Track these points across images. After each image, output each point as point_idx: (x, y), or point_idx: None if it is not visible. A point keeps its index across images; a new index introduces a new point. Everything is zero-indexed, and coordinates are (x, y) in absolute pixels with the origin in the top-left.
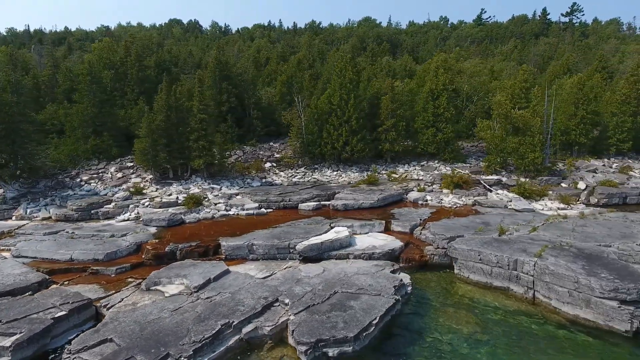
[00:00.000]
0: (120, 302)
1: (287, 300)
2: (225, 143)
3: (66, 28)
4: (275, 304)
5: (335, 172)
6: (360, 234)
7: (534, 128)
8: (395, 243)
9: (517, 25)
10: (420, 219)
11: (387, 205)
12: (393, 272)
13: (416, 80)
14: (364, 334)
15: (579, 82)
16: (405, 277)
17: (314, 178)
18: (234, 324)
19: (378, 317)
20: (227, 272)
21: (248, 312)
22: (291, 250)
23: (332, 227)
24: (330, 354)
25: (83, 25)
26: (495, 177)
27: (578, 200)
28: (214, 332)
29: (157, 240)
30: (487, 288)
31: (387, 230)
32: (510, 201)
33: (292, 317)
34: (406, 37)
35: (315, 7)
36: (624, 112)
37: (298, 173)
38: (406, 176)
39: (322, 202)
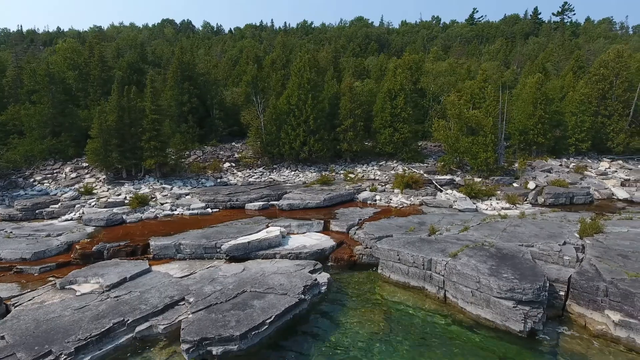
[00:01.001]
0: (29, 300)
1: (191, 299)
2: (183, 143)
3: (58, 28)
4: (180, 303)
5: (293, 172)
6: (298, 233)
7: (486, 128)
8: (327, 243)
9: (509, 25)
10: (360, 219)
11: (335, 205)
12: (313, 271)
13: (375, 79)
14: (253, 333)
15: (537, 81)
16: (323, 277)
17: (271, 178)
18: (129, 322)
19: (274, 316)
20: (147, 271)
21: (148, 310)
22: (218, 250)
23: (268, 227)
24: (215, 352)
25: (77, 25)
26: (448, 177)
27: (525, 200)
28: (102, 330)
29: (88, 240)
30: (405, 288)
31: (325, 230)
32: (456, 201)
33: (189, 316)
34: (396, 37)
35: (313, 7)
36: (583, 111)
37: (255, 173)
38: (363, 176)
39: (271, 202)
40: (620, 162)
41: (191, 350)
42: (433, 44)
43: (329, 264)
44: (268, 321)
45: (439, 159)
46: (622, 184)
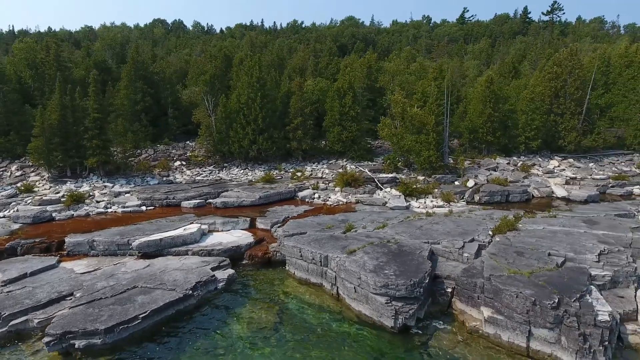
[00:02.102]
0: None
1: (78, 294)
2: (135, 142)
3: (49, 28)
4: (67, 298)
5: (242, 171)
6: (222, 231)
7: (428, 126)
8: (246, 240)
9: (498, 25)
10: (286, 217)
11: (271, 203)
12: (216, 268)
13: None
14: (121, 327)
15: (487, 80)
16: (224, 274)
17: (218, 177)
18: (4, 315)
19: (150, 311)
20: (52, 267)
21: (30, 305)
22: (129, 247)
23: (192, 224)
24: (77, 346)
25: (72, 25)
26: (390, 175)
27: (462, 199)
28: None
29: (7, 237)
30: (306, 284)
31: (252, 227)
32: (390, 199)
33: (66, 310)
34: (386, 36)
35: (310, 7)
36: (533, 110)
37: (204, 172)
38: (311, 175)
39: (209, 200)
40: (571, 160)
41: (52, 343)
42: (417, 43)
43: (244, 261)
44: (142, 316)
45: (384, 158)
46: (567, 182)
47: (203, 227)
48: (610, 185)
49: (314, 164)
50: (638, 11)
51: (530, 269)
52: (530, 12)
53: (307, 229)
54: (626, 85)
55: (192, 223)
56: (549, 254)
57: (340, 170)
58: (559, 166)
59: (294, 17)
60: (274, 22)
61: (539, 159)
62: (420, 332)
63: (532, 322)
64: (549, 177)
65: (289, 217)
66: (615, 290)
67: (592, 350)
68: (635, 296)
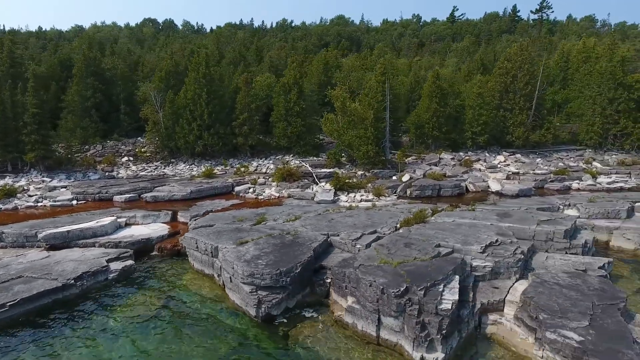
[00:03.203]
0: None
1: None
2: (82, 137)
3: (40, 28)
4: None
5: (189, 166)
6: (142, 224)
7: (367, 121)
8: (159, 233)
9: (487, 23)
10: (208, 210)
11: (203, 197)
12: (116, 259)
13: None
14: None
15: (433, 75)
16: (120, 265)
17: (163, 172)
18: None
19: (20, 299)
20: None
21: None
22: (37, 239)
23: (110, 217)
24: None
25: (64, 25)
26: (329, 170)
27: (394, 193)
28: None
29: None
30: (202, 275)
31: (174, 220)
32: (318, 193)
33: None
34: (375, 35)
35: (306, 6)
36: (480, 105)
37: (150, 167)
38: (256, 170)
39: (142, 194)
40: (519, 155)
41: None
42: (401, 42)
43: (153, 253)
44: (10, 304)
45: (327, 153)
46: (508, 177)
47: (121, 220)
48: (549, 180)
49: (261, 159)
50: (628, 10)
51: (402, 259)
52: (519, 11)
53: (219, 221)
54: (582, 80)
55: (112, 216)
56: (438, 245)
57: (286, 165)
58: (504, 161)
59: (292, 16)
60: (262, 21)
61: (487, 154)
62: (285, 321)
63: (381, 310)
64: (491, 172)
65: (211, 210)
66: (494, 281)
67: (429, 339)
68: (510, 287)
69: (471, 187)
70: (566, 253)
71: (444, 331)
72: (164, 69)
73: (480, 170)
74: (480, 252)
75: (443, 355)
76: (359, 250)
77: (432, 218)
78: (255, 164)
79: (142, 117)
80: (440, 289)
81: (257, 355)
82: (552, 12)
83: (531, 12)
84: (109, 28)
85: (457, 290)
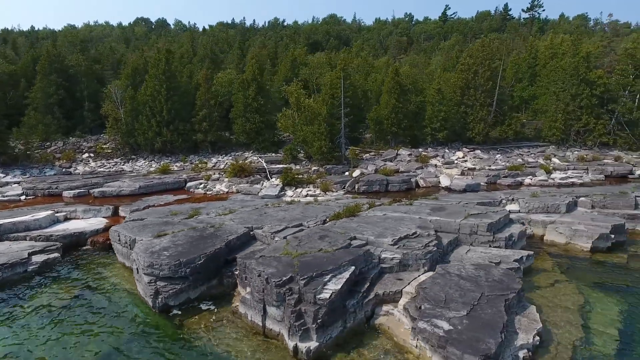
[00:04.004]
0: None
1: None
2: (44, 134)
3: (32, 27)
4: None
5: (148, 163)
6: (82, 218)
7: (320, 117)
8: (94, 226)
9: (478, 22)
10: (148, 205)
11: (154, 192)
12: (41, 252)
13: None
14: None
15: (392, 71)
16: (43, 257)
17: (121, 168)
18: None
19: None
20: None
21: None
22: None
23: (55, 212)
24: None
25: (56, 25)
26: (282, 166)
27: (343, 188)
28: None
29: None
30: (124, 267)
31: (115, 215)
32: (265, 188)
33: None
34: (367, 34)
35: (302, 5)
36: (439, 100)
37: (109, 163)
38: (214, 166)
39: (91, 190)
40: (478, 151)
41: None
42: (388, 40)
43: (85, 246)
44: None
45: (284, 149)
46: (463, 173)
47: (60, 214)
48: (503, 175)
49: (222, 155)
50: (625, 8)
51: (306, 251)
52: (510, 10)
53: (152, 215)
54: (549, 77)
55: (50, 210)
56: (354, 238)
57: (242, 161)
58: (463, 157)
59: (289, 15)
60: (254, 20)
61: (446, 150)
62: (181, 312)
63: (265, 300)
64: (446, 168)
65: (153, 205)
66: (402, 273)
67: (303, 328)
68: (414, 279)
69: (422, 183)
70: (490, 246)
71: (319, 320)
72: (130, 65)
73: (436, 166)
74: (391, 245)
75: (317, 344)
76: (275, 242)
77: (365, 212)
78: (214, 160)
79: (103, 113)
80: (326, 279)
81: (150, 345)
82: (544, 10)
83: (522, 10)
84: (101, 27)
85: (344, 280)
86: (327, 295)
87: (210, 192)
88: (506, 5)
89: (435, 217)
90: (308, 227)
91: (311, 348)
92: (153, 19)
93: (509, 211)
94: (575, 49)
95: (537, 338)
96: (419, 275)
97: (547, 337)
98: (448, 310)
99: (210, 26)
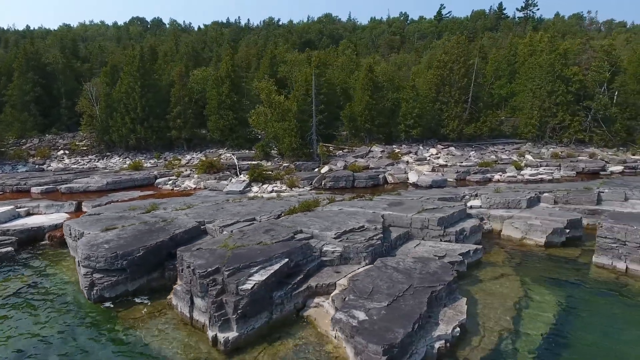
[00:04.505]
0: None
1: None
2: (20, 131)
3: (27, 27)
4: None
5: (122, 159)
6: (45, 213)
7: (290, 114)
8: (53, 221)
9: (473, 21)
10: (111, 201)
11: (122, 189)
12: None
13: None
14: None
15: (366, 68)
16: None
17: (94, 165)
18: None
19: None
20: None
21: None
22: None
23: (17, 207)
24: None
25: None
26: (254, 162)
27: (311, 184)
28: None
29: None
30: (74, 260)
31: (79, 210)
32: (231, 184)
33: None
34: (361, 33)
35: (298, 4)
36: (414, 97)
37: (84, 160)
38: (188, 162)
39: (59, 186)
40: (452, 148)
41: None
42: (380, 39)
43: (43, 241)
44: None
45: (256, 145)
46: (433, 169)
47: (22, 209)
48: (473, 172)
49: (197, 152)
50: (619, 8)
51: (245, 243)
52: (505, 9)
53: (111, 210)
54: (527, 74)
55: (10, 206)
56: (300, 232)
57: (216, 157)
58: (436, 154)
59: (285, 14)
60: (248, 19)
61: (421, 147)
62: (114, 304)
63: (192, 291)
64: (418, 165)
65: (116, 200)
66: (342, 266)
67: (223, 319)
68: (352, 271)
69: (390, 179)
70: (441, 240)
71: (240, 311)
72: (109, 63)
73: (407, 162)
74: (334, 238)
75: (237, 335)
76: (220, 236)
77: (321, 207)
78: (188, 157)
79: (78, 110)
80: (253, 271)
81: (83, 334)
82: (538, 9)
83: (517, 9)
84: (96, 27)
85: (272, 272)
86: (249, 286)
87: (177, 188)
88: (500, 4)
89: (390, 211)
90: (259, 221)
91: (229, 338)
92: (150, 19)
93: (470, 206)
94: (552, 45)
95: (458, 330)
96: (357, 268)
97: (474, 328)
98: (370, 301)
99: (205, 25)
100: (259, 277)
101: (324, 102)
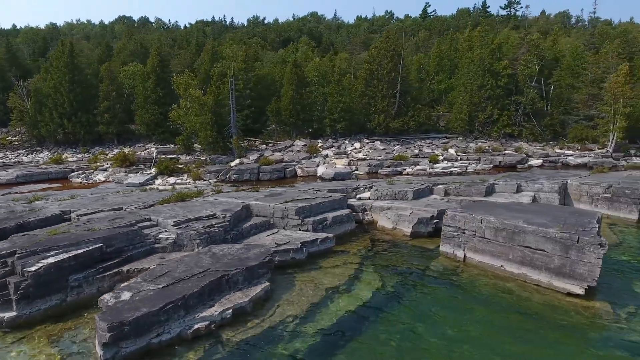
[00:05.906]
0: None
1: None
2: None
3: (14, 26)
4: None
5: (51, 154)
6: None
7: (206, 108)
8: None
9: (457, 19)
10: (10, 193)
11: (34, 182)
12: None
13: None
14: None
15: (293, 63)
16: None
17: (20, 159)
18: None
19: None
20: None
21: None
22: None
23: None
24: None
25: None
26: (175, 156)
27: (217, 177)
28: None
29: None
30: None
31: None
32: (133, 177)
33: None
34: (345, 31)
35: (288, 3)
36: (339, 92)
37: (12, 155)
38: (114, 156)
39: None
40: (378, 143)
41: None
42: (355, 37)
43: None
44: None
45: (176, 139)
46: (349, 163)
47: None
48: (386, 165)
49: (126, 147)
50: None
51: (75, 230)
52: (489, 7)
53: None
54: (463, 69)
55: None
56: (148, 219)
57: (139, 152)
58: (360, 148)
59: (275, 13)
60: (232, 17)
61: (346, 141)
62: None
63: None
64: (337, 158)
65: (15, 192)
66: (174, 253)
67: (4, 299)
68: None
69: (300, 172)
70: (299, 229)
71: (20, 292)
72: (50, 59)
73: (326, 156)
74: (172, 225)
75: (15, 314)
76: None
77: (202, 198)
78: (116, 151)
79: (9, 105)
80: (50, 254)
81: None
82: (521, 7)
83: (500, 7)
84: (82, 26)
85: (71, 256)
86: (34, 269)
87: (86, 182)
88: (484, 2)
89: (258, 202)
90: (125, 211)
91: (5, 318)
92: (136, 17)
93: (359, 198)
94: (482, 39)
95: (230, 312)
96: (184, 255)
97: (261, 312)
98: (152, 283)
99: (191, 24)
100: (53, 259)
101: (252, 97)
